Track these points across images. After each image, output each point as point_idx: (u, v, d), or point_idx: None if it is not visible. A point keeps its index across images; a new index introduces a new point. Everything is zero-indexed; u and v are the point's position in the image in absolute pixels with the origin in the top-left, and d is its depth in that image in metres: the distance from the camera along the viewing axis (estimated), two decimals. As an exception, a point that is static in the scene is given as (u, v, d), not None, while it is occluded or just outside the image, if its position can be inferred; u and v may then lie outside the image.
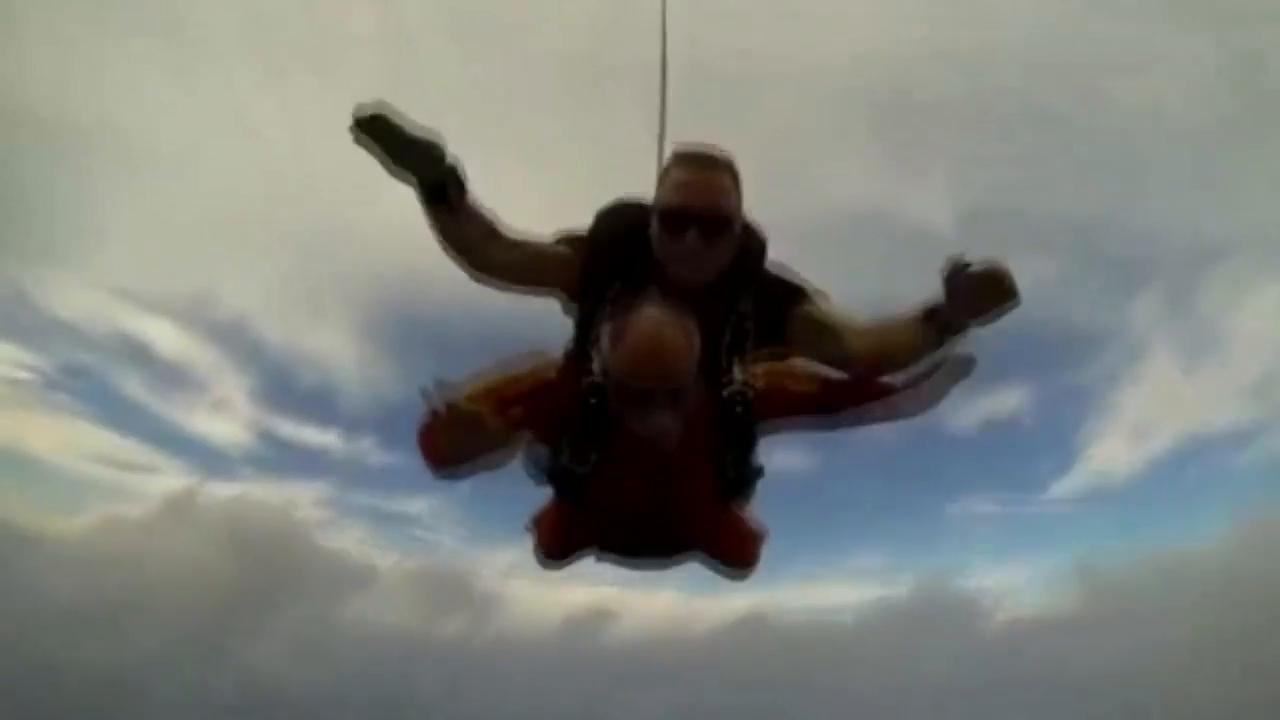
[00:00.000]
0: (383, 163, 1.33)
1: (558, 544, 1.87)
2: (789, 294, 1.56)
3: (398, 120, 1.29)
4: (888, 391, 1.56)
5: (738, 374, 1.48)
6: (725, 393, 1.47)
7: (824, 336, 1.56)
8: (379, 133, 1.29)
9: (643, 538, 1.74)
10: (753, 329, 1.53)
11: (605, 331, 1.39)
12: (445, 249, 1.44)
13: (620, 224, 1.52)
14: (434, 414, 1.31)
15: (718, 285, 1.48)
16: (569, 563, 1.91)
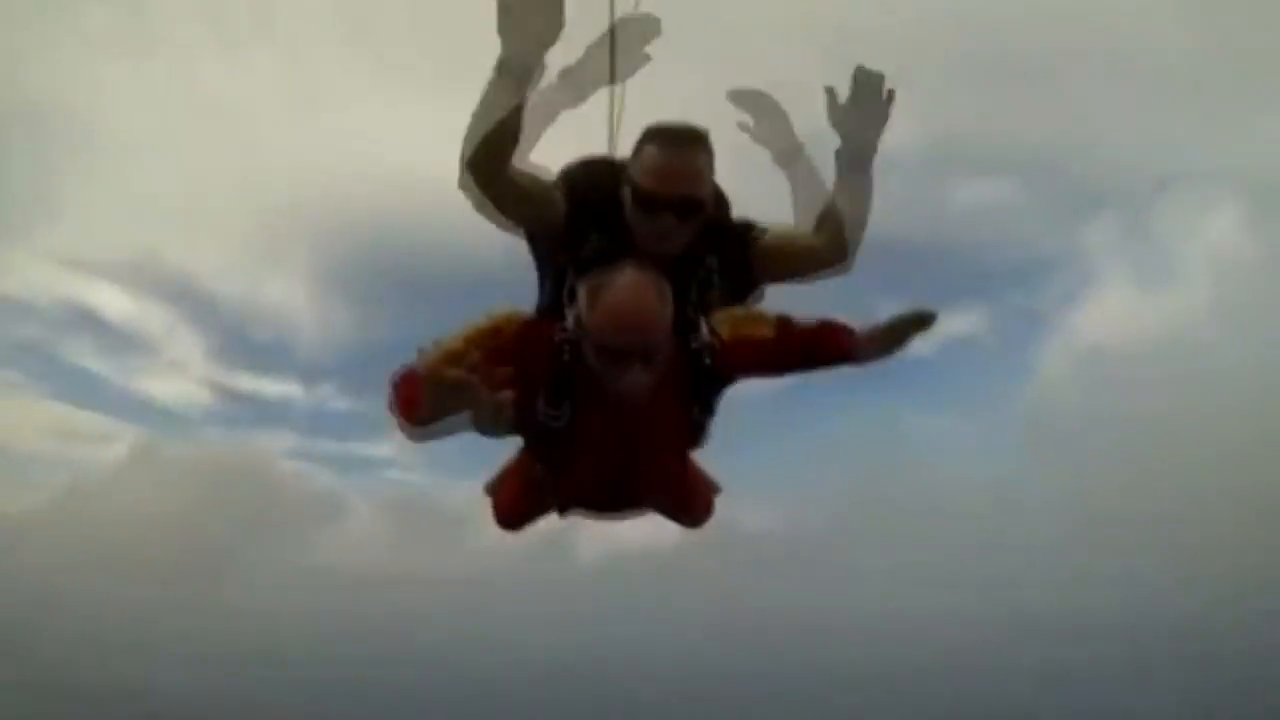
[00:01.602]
0: (508, 13, 1.38)
1: (518, 507, 1.91)
2: (744, 236, 1.63)
3: None
4: (850, 340, 1.60)
5: (704, 328, 1.53)
6: (693, 345, 1.51)
7: (789, 256, 1.67)
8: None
9: (608, 492, 1.76)
10: (719, 282, 1.60)
11: (582, 289, 1.41)
12: (476, 128, 1.45)
13: (593, 184, 1.54)
14: (419, 376, 1.31)
15: (686, 248, 1.54)
16: (529, 524, 1.95)
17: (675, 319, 1.42)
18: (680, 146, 1.47)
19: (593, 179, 1.56)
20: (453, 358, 1.29)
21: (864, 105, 1.64)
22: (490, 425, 1.46)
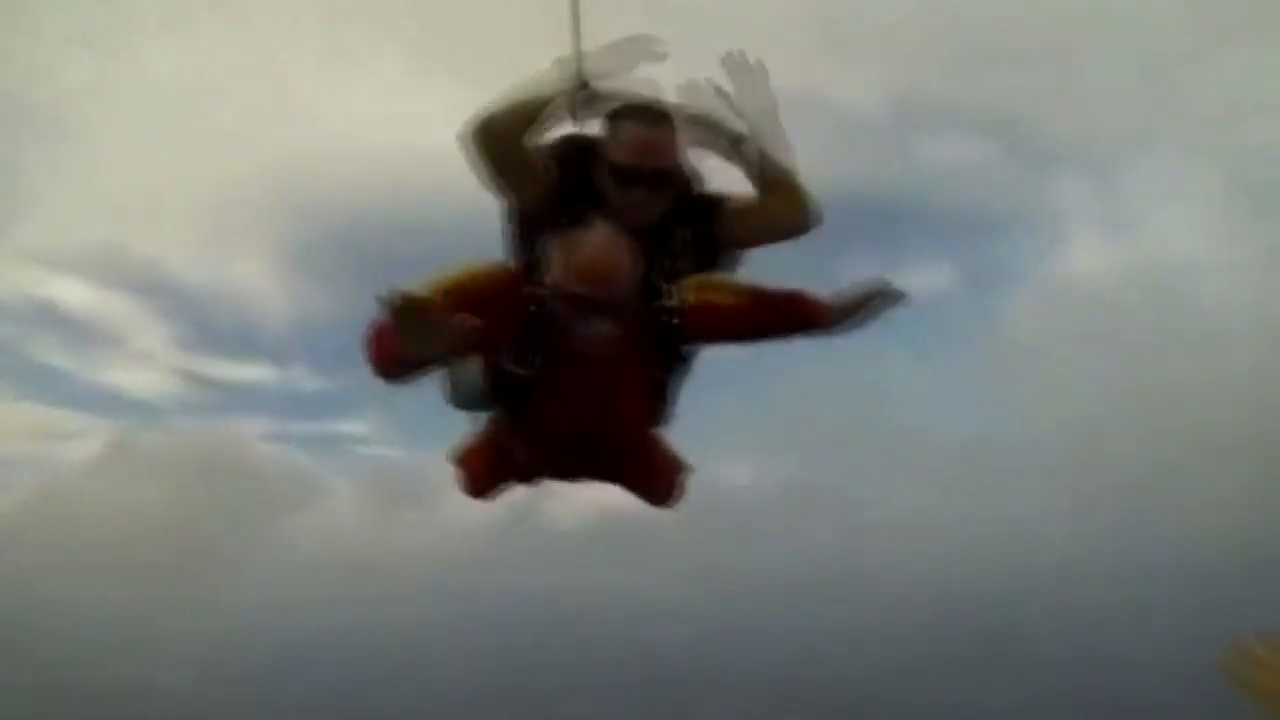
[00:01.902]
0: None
1: (487, 475, 1.96)
2: (713, 208, 1.73)
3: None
4: (812, 314, 1.65)
5: (673, 294, 1.59)
6: (662, 306, 1.57)
7: (753, 226, 1.76)
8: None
9: (575, 455, 1.80)
10: (689, 252, 1.70)
11: (555, 246, 1.48)
12: (518, 108, 1.58)
13: (578, 160, 1.63)
14: (390, 310, 1.31)
15: (659, 218, 1.65)
16: (497, 493, 2.00)
17: (644, 284, 1.50)
18: (651, 123, 1.58)
19: (578, 155, 1.64)
20: (416, 303, 1.33)
21: (748, 89, 1.68)
22: (459, 364, 1.57)
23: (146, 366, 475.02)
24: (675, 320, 1.57)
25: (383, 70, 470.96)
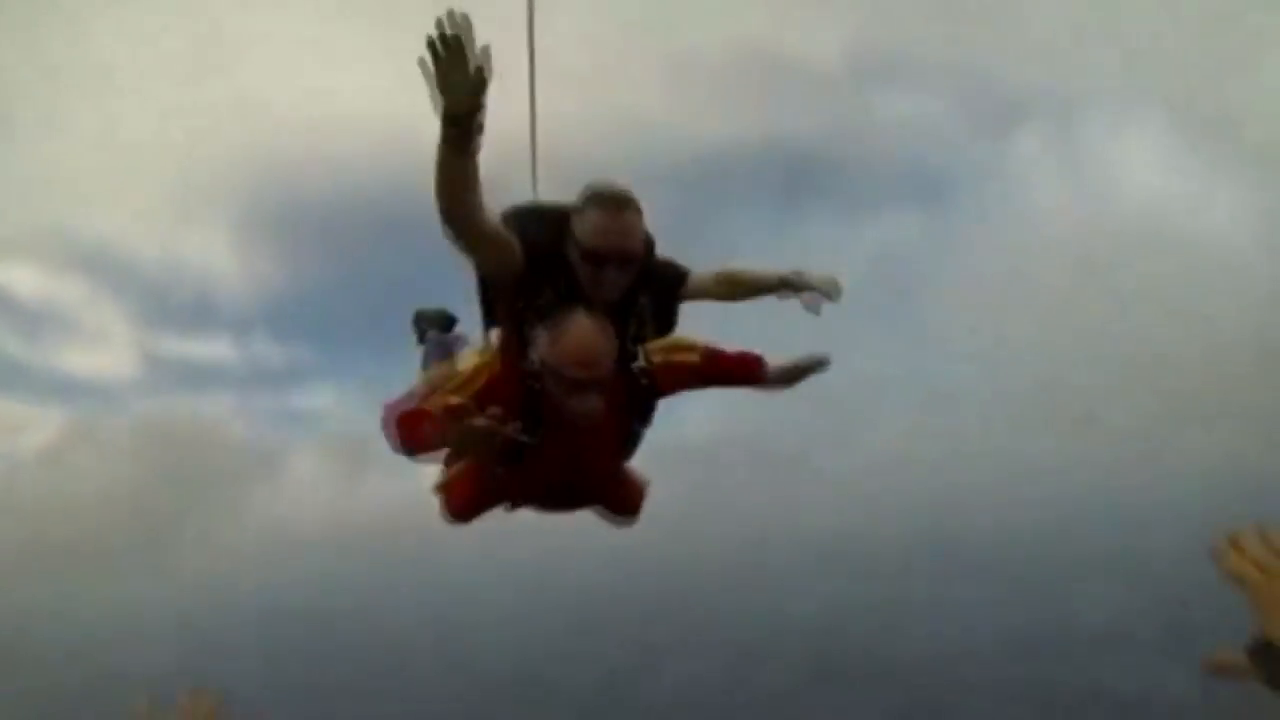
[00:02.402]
0: (432, 79, 1.42)
1: (471, 505, 2.13)
2: (670, 278, 1.98)
3: (469, 44, 1.38)
4: (757, 373, 2.08)
5: (641, 357, 1.88)
6: (634, 368, 1.86)
7: (700, 295, 2.05)
8: (449, 50, 1.38)
9: (556, 495, 2.12)
10: (651, 317, 1.93)
11: (541, 332, 1.72)
12: (439, 186, 1.57)
13: (542, 235, 1.78)
14: (433, 416, 1.69)
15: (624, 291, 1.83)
16: (478, 517, 2.19)
17: (618, 351, 1.75)
18: (618, 210, 1.73)
19: (541, 230, 1.79)
20: (460, 410, 1.64)
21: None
22: (486, 453, 1.80)
23: (103, 348, 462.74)
24: (645, 381, 1.89)
25: (331, 42, 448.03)
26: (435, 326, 2.63)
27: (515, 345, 1.82)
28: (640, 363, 1.89)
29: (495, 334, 2.00)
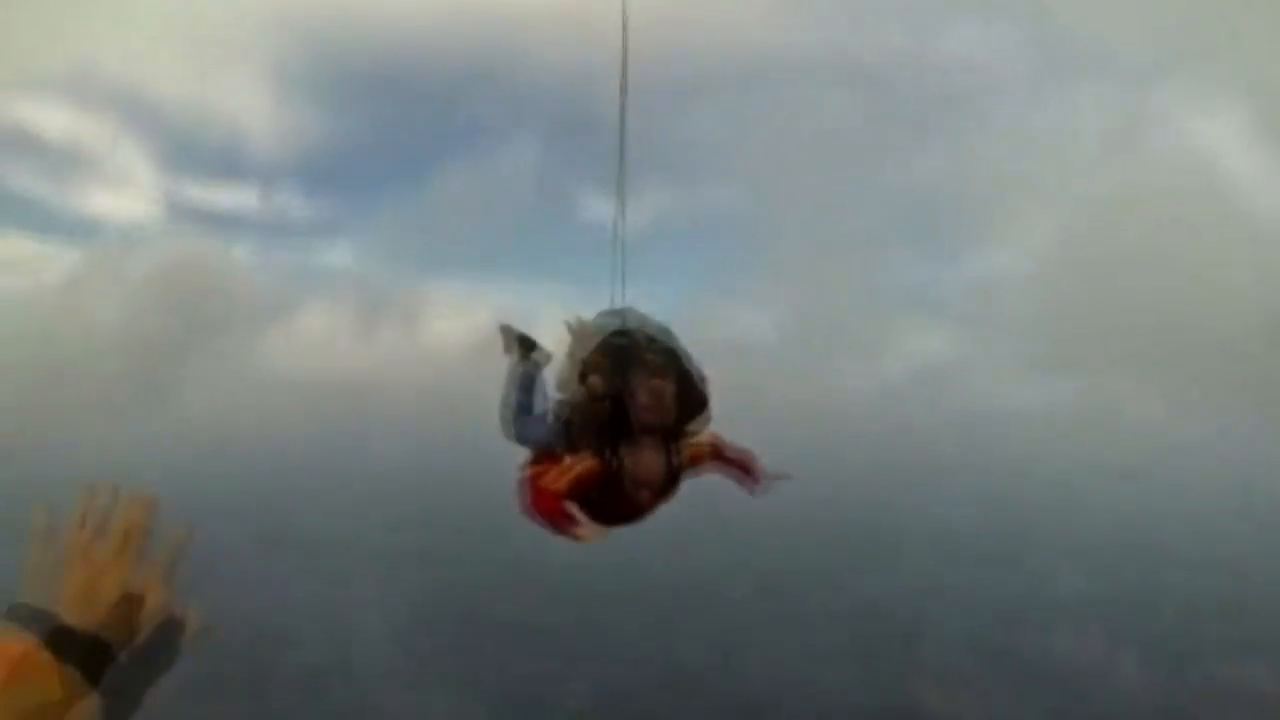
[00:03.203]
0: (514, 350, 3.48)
1: (549, 513, 3.00)
2: (697, 405, 3.19)
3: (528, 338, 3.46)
4: (756, 474, 3.34)
5: (678, 454, 3.03)
6: (674, 461, 3.01)
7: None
8: (521, 342, 3.46)
9: (621, 523, 3.05)
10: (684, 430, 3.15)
11: (626, 455, 2.92)
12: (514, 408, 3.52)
13: (612, 398, 3.02)
14: (557, 498, 3.02)
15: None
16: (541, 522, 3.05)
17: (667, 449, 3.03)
18: (659, 398, 2.98)
19: (618, 390, 3.01)
20: (563, 494, 2.98)
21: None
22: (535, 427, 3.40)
23: (125, 190, 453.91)
24: (679, 466, 3.03)
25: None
26: (523, 350, 3.45)
27: (603, 453, 2.93)
28: (676, 459, 2.99)
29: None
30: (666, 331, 3.19)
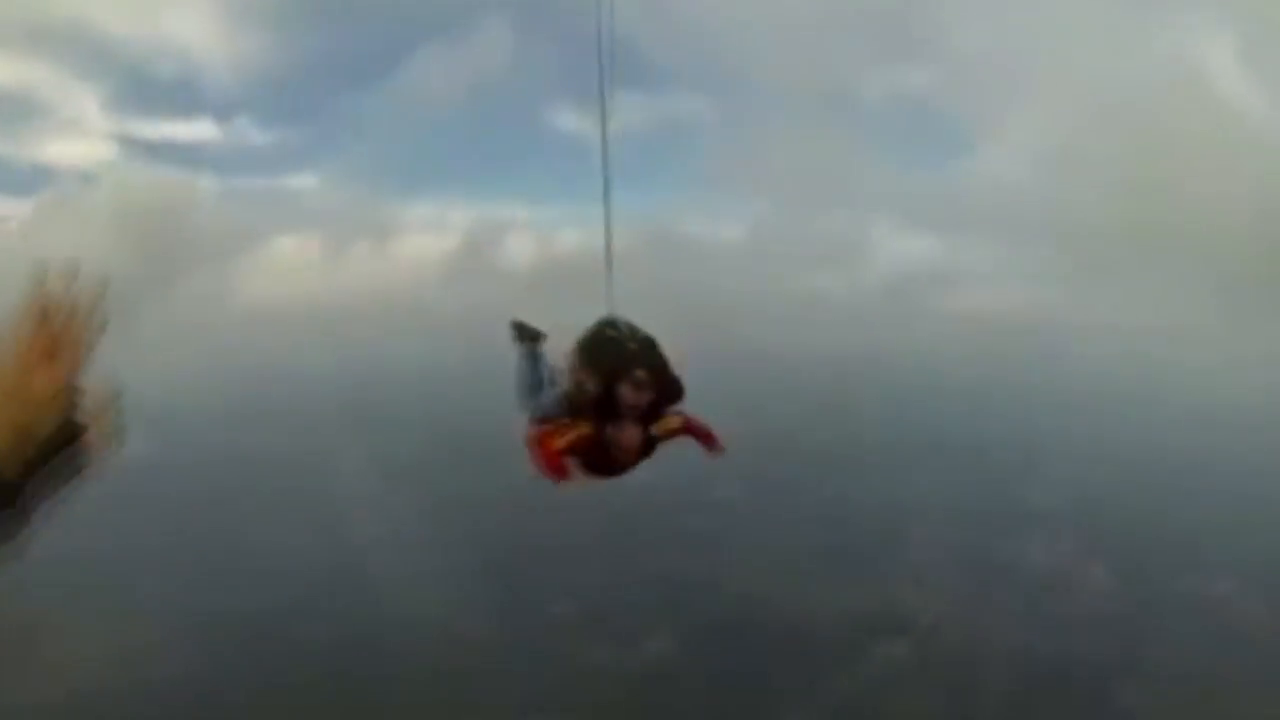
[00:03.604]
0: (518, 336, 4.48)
1: (553, 468, 3.66)
2: (675, 394, 3.81)
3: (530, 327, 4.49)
4: (717, 443, 3.96)
5: (654, 428, 3.69)
6: (651, 432, 3.67)
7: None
8: (525, 332, 4.48)
9: (609, 475, 3.82)
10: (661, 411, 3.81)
11: (612, 430, 3.56)
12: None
13: (606, 387, 3.63)
14: (558, 449, 3.60)
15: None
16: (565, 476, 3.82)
17: (645, 435, 3.68)
18: (638, 389, 3.57)
19: (607, 378, 3.62)
20: (563, 452, 3.59)
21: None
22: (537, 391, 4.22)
23: (79, 135, 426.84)
24: (655, 437, 3.71)
25: None
26: (528, 338, 4.43)
27: (598, 426, 3.61)
28: (653, 431, 3.71)
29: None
30: (651, 341, 3.89)
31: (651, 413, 3.65)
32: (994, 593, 33.01)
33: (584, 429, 3.58)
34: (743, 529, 39.16)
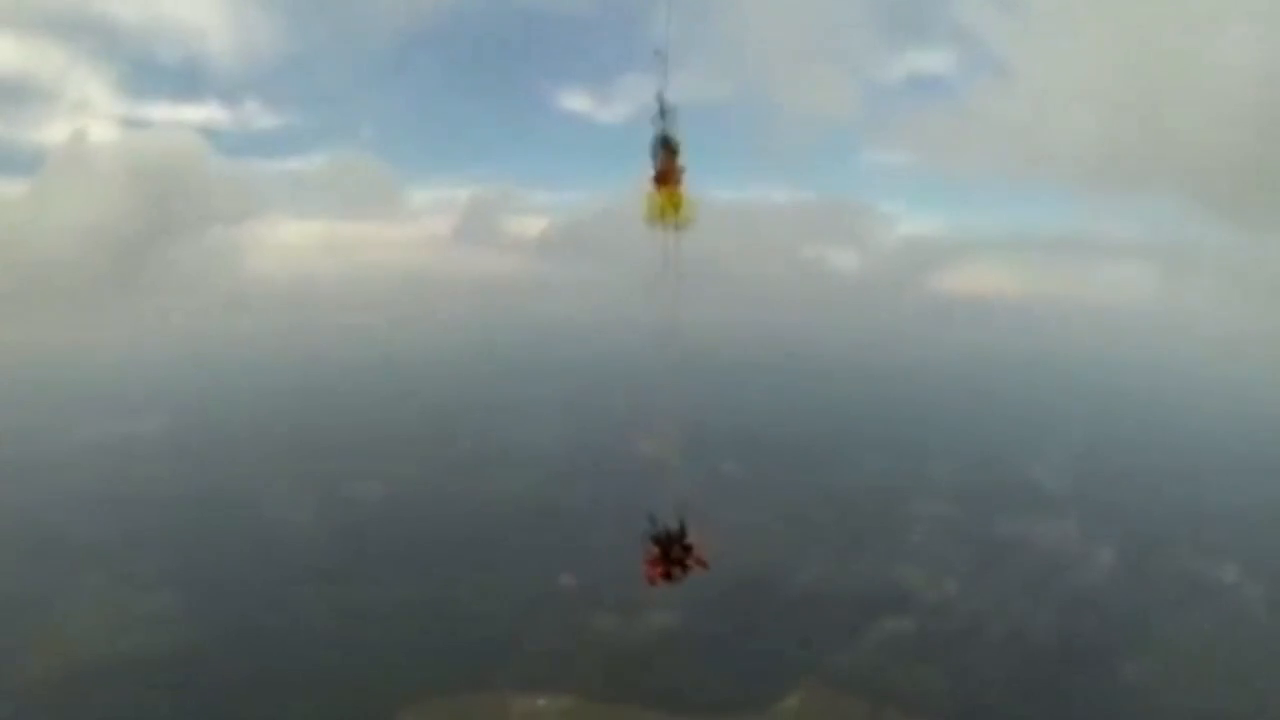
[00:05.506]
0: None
1: (656, 580, 7.67)
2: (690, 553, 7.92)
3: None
4: (705, 565, 7.81)
5: (689, 559, 7.75)
6: (686, 563, 7.73)
7: None
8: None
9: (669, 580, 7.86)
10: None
11: (676, 569, 7.77)
12: None
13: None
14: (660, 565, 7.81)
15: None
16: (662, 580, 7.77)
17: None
18: (685, 550, 7.77)
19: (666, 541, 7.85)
20: (657, 576, 7.84)
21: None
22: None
23: (86, 118, 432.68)
24: (687, 565, 7.76)
25: None
26: (662, 535, 7.63)
27: (667, 562, 7.60)
28: (687, 562, 7.58)
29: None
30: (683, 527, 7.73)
31: (687, 551, 7.49)
32: (998, 571, 33.21)
33: (660, 565, 7.45)
34: (748, 504, 39.96)
